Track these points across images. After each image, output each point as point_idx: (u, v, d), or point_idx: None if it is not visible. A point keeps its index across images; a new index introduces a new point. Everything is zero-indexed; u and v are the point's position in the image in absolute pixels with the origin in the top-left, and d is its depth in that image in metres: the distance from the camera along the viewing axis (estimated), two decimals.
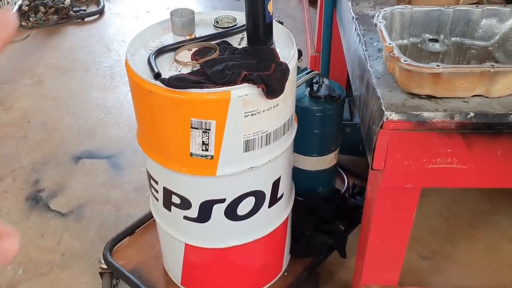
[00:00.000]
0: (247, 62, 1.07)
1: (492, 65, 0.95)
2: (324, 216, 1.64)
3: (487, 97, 0.99)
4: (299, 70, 1.50)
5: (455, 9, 1.16)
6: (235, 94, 1.02)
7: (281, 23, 1.31)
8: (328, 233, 1.61)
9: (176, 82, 1.02)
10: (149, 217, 1.71)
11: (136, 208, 1.99)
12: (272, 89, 1.04)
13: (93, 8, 3.67)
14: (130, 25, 3.46)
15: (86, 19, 3.55)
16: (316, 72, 1.51)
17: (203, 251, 1.34)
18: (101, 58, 3.10)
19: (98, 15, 3.59)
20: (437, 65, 0.95)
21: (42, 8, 3.44)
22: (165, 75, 1.05)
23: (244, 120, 1.06)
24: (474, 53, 1.18)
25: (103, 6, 3.66)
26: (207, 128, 1.06)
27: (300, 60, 1.22)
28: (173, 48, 1.17)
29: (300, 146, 1.49)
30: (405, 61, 0.97)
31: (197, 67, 1.10)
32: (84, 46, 3.24)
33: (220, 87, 1.02)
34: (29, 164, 2.26)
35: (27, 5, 3.44)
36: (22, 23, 3.40)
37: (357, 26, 1.29)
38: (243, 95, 1.03)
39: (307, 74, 1.49)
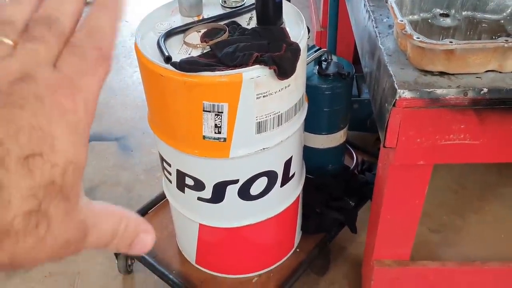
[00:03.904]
0: (257, 43, 1.06)
1: (506, 40, 0.94)
2: (334, 193, 1.65)
3: (500, 72, 0.99)
4: (308, 48, 1.49)
5: None
6: (247, 76, 1.02)
7: (289, 0, 1.30)
8: (338, 209, 1.62)
9: (187, 66, 1.02)
10: (160, 198, 1.73)
11: (147, 189, 2.00)
12: (284, 70, 1.03)
13: None
14: (132, 4, 3.41)
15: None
16: (325, 49, 1.51)
17: (217, 230, 1.36)
18: None
19: None
20: (450, 42, 0.95)
21: None
22: (176, 58, 1.05)
23: (256, 102, 1.06)
24: (486, 26, 1.17)
25: None
26: (220, 111, 1.06)
27: (308, 37, 1.22)
28: (182, 30, 1.16)
29: (310, 124, 1.48)
30: (417, 38, 0.96)
31: (207, 49, 1.10)
32: None
33: (231, 69, 1.02)
34: None
35: None
36: None
37: (366, 2, 1.28)
38: (255, 76, 1.03)
39: (315, 52, 1.48)
